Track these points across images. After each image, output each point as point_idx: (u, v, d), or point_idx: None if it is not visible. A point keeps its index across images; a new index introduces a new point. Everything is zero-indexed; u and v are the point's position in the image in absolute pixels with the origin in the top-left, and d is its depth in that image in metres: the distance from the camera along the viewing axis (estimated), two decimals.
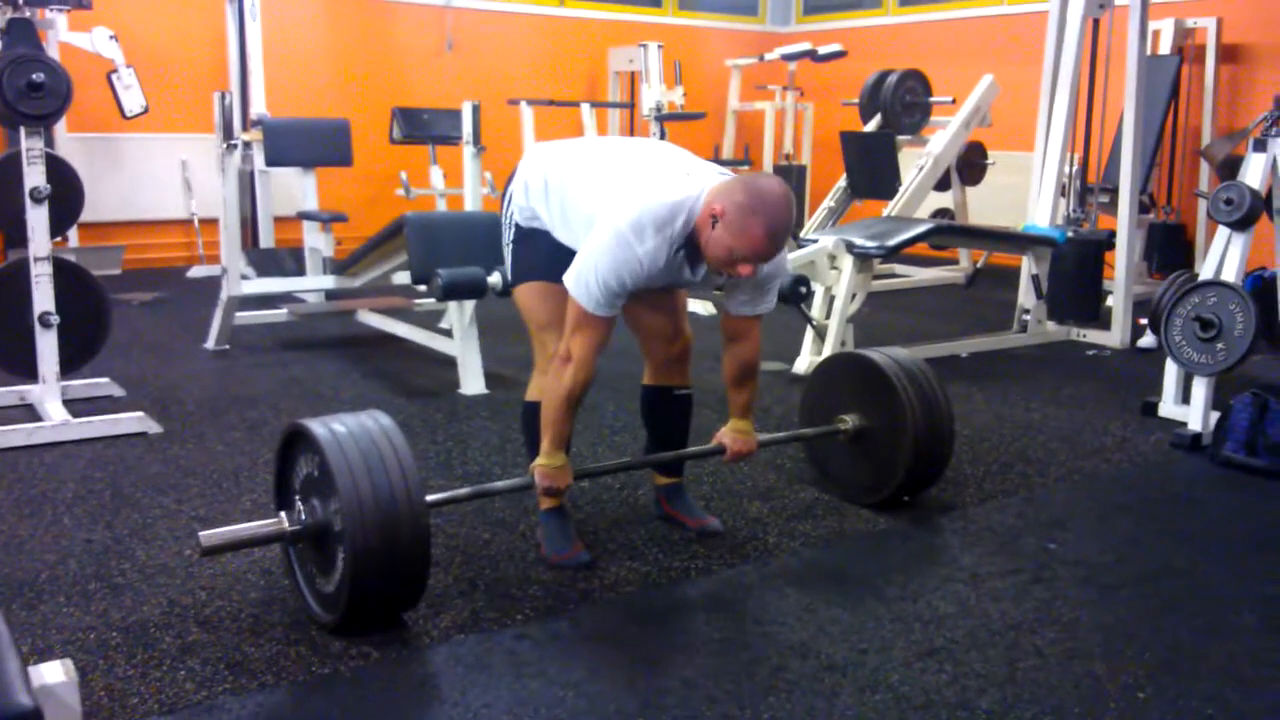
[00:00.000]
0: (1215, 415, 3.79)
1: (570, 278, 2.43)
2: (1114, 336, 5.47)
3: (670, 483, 2.95)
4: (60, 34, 6.61)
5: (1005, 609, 2.50)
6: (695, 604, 2.52)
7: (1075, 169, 5.76)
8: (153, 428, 3.74)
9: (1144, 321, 5.36)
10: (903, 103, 7.52)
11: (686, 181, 2.43)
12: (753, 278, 2.43)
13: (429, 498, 2.35)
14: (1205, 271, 4.00)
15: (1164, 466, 3.64)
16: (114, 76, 6.53)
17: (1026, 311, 5.47)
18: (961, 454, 3.65)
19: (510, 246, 2.70)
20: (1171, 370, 4.11)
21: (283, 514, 2.37)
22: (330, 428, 2.28)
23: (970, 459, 3.61)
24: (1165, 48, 7.08)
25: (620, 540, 2.85)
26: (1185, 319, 3.90)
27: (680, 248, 2.42)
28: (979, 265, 6.42)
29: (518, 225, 2.67)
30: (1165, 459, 3.71)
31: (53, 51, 6.53)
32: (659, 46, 8.39)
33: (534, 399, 2.68)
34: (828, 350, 4.69)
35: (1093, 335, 5.54)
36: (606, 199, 2.44)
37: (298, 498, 2.38)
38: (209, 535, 2.28)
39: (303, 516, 2.34)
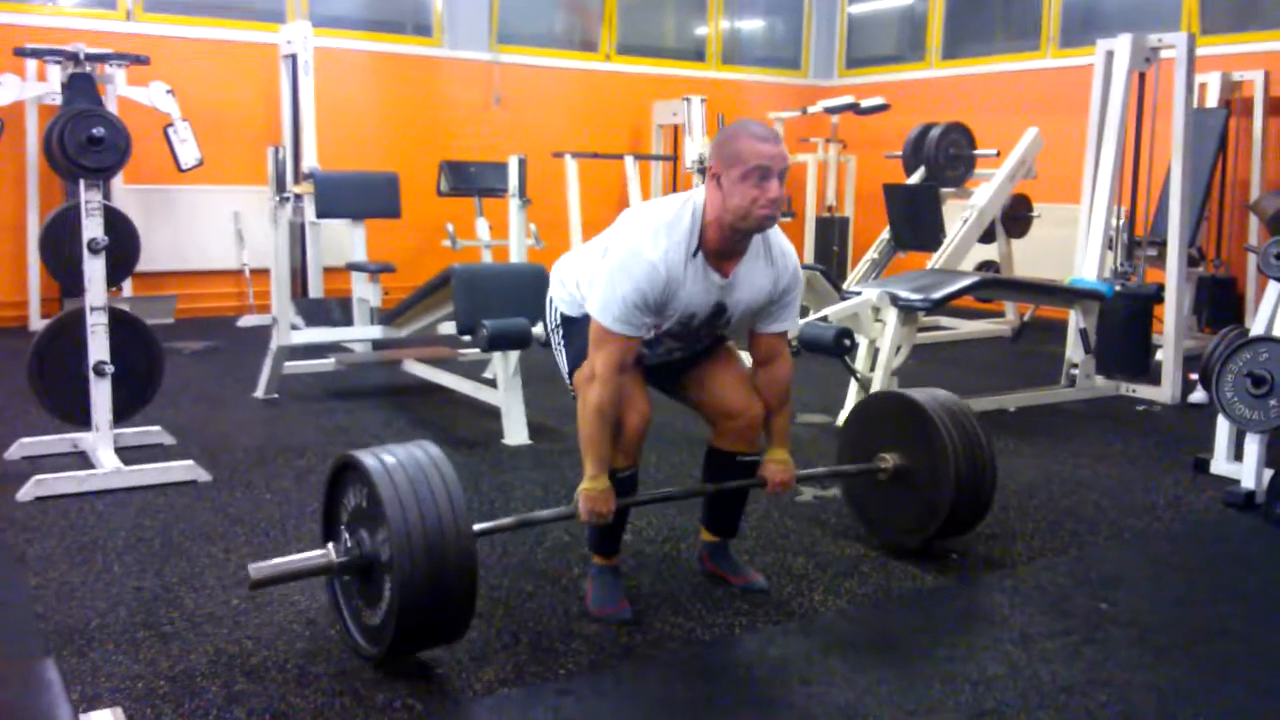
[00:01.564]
0: (1269, 473, 3.72)
1: (592, 299, 2.49)
2: (1164, 392, 5.40)
3: (716, 540, 2.92)
4: (119, 88, 6.80)
5: (1056, 670, 2.45)
6: (740, 662, 2.50)
7: (1122, 222, 5.72)
8: (202, 476, 3.78)
9: (1194, 376, 5.28)
10: (946, 155, 7.52)
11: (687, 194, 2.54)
12: (777, 204, 2.40)
13: (476, 527, 2.36)
14: (1257, 327, 3.94)
15: (1217, 525, 3.57)
16: (170, 130, 6.69)
17: (1075, 366, 5.41)
18: (1010, 510, 3.61)
19: (561, 343, 2.73)
20: (1223, 427, 4.05)
21: (330, 545, 2.39)
22: (380, 458, 2.30)
23: (1019, 516, 3.56)
24: (1212, 100, 7.04)
25: (664, 594, 2.83)
26: (1237, 375, 3.84)
27: (697, 249, 2.45)
28: (1026, 319, 6.37)
29: (564, 316, 2.71)
30: (1218, 517, 3.64)
31: (111, 105, 6.73)
32: (702, 100, 8.48)
33: None
34: None
35: (1142, 390, 5.47)
36: (619, 232, 2.51)
37: (345, 530, 2.39)
38: (258, 568, 2.31)
39: (349, 548, 2.35)
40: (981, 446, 2.98)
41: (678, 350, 2.71)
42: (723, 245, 2.48)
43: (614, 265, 2.44)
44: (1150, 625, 2.72)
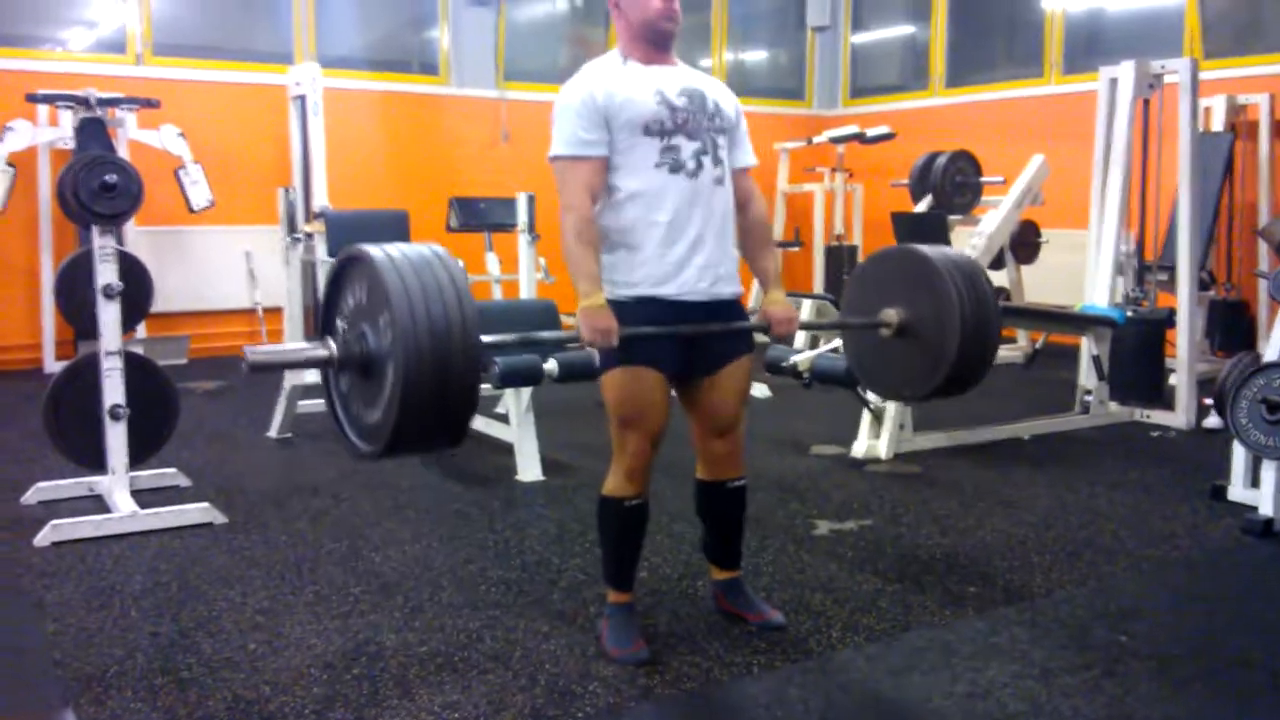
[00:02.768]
0: None
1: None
2: (1178, 417, 5.38)
3: (728, 577, 2.91)
4: (130, 132, 6.87)
5: (1078, 705, 2.43)
6: (759, 702, 2.48)
7: (1132, 247, 5.72)
8: (218, 518, 3.79)
9: (1209, 401, 5.27)
10: (953, 183, 7.55)
11: None
12: (671, 4, 2.58)
13: (483, 339, 2.24)
14: (1270, 353, 3.93)
15: (1236, 553, 3.55)
16: (181, 172, 6.75)
17: (1088, 392, 5.41)
18: (1028, 541, 3.59)
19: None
20: (1239, 453, 4.03)
21: (329, 339, 2.31)
22: (387, 252, 2.19)
23: (1037, 546, 3.55)
24: (1218, 124, 7.05)
25: (680, 633, 2.82)
26: (1251, 401, 3.83)
27: (625, 60, 2.60)
28: (1038, 346, 6.36)
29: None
30: (1236, 545, 3.62)
31: (122, 148, 6.79)
32: None
33: (609, 494, 2.67)
34: (885, 434, 4.66)
35: (1156, 416, 5.45)
36: None
37: (345, 325, 2.30)
38: (255, 351, 2.24)
39: (350, 342, 2.26)
40: (985, 295, 2.88)
41: (703, 155, 2.59)
42: (646, 56, 2.62)
43: (555, 111, 2.57)
44: (1171, 657, 2.70)
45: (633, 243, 2.56)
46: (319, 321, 2.42)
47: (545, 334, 2.66)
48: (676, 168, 2.56)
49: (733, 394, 2.72)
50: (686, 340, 2.61)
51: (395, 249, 2.20)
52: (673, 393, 2.66)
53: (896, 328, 2.96)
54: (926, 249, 2.97)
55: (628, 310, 2.53)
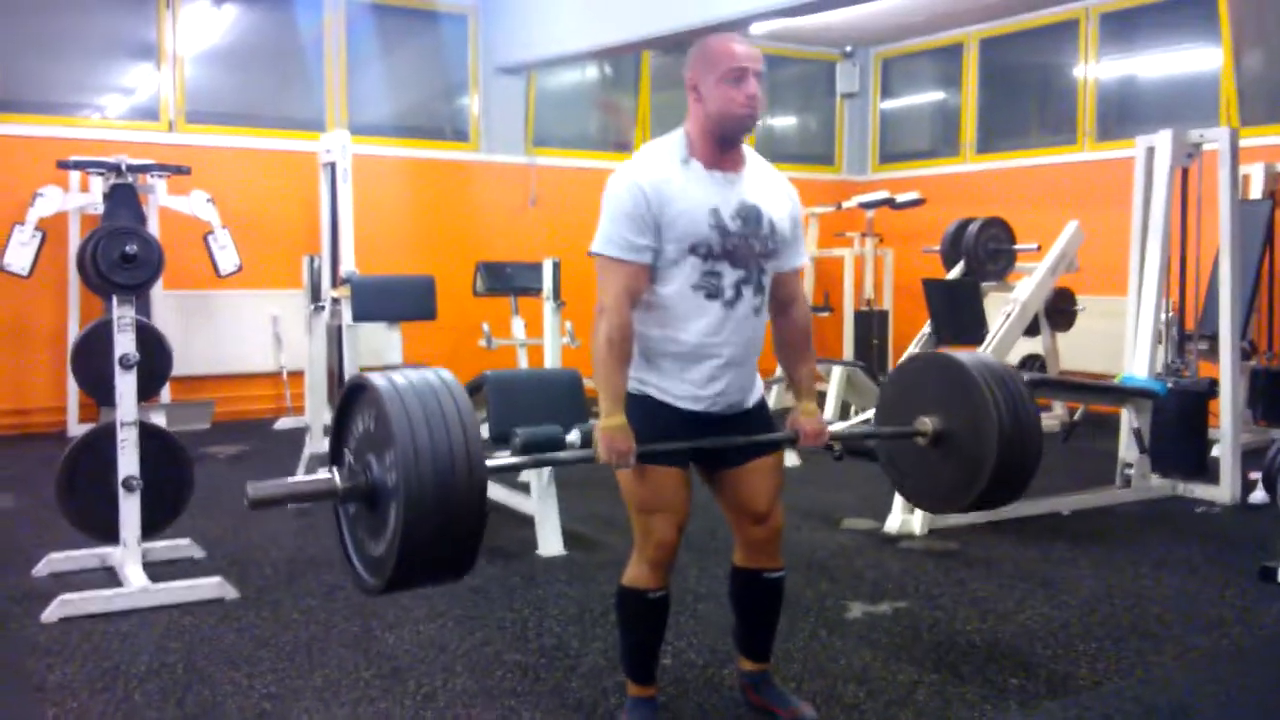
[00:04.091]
0: None
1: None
2: (1223, 491, 5.19)
3: (757, 670, 2.77)
4: (160, 198, 6.90)
5: None
6: None
7: (1171, 316, 5.58)
8: (230, 593, 3.69)
9: (1255, 475, 5.08)
10: (986, 249, 7.44)
11: None
12: (755, 102, 2.40)
13: (489, 462, 2.18)
14: None
15: None
16: (210, 237, 6.76)
17: (1129, 465, 5.24)
18: (1071, 627, 3.43)
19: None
20: None
21: (335, 471, 2.24)
22: (391, 380, 2.15)
23: (1080, 633, 3.38)
24: (1256, 191, 6.92)
25: None
26: None
27: (687, 158, 2.43)
28: (1076, 418, 6.20)
29: None
30: None
31: (152, 214, 6.82)
32: None
33: (630, 584, 2.54)
34: (919, 511, 4.51)
35: (1200, 490, 5.26)
36: None
37: (351, 454, 2.24)
38: (258, 487, 2.16)
39: (355, 473, 2.20)
40: (1025, 405, 2.76)
41: (744, 285, 2.46)
42: (713, 153, 2.45)
43: (604, 199, 2.43)
44: None
45: (651, 353, 2.48)
46: (330, 451, 2.36)
47: (560, 454, 2.60)
48: (714, 294, 2.44)
49: (763, 491, 2.59)
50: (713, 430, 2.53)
51: (400, 376, 2.18)
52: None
53: (932, 437, 2.84)
54: (963, 356, 2.88)
55: (643, 405, 2.46)
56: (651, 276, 2.42)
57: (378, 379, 2.16)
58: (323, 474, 2.25)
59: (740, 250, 2.44)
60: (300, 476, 2.25)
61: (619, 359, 2.38)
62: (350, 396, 2.28)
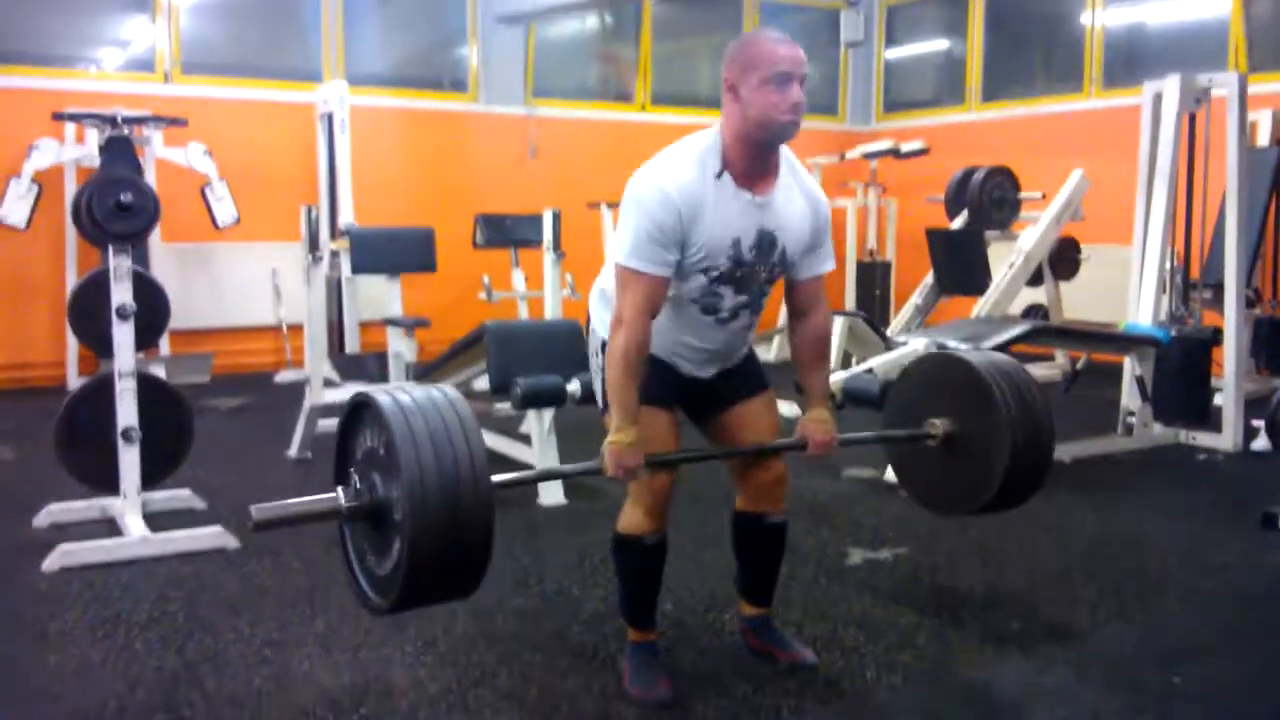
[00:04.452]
0: None
1: (612, 246, 2.36)
2: (1225, 439, 5.18)
3: (757, 614, 2.76)
4: (157, 150, 6.84)
5: None
6: None
7: (1176, 265, 5.54)
8: (231, 543, 3.69)
9: (1257, 423, 5.07)
10: (990, 199, 7.38)
11: None
12: (799, 108, 2.26)
13: (495, 478, 2.18)
14: None
15: None
16: (207, 189, 6.71)
17: (1131, 414, 5.21)
18: (1073, 572, 3.43)
19: (602, 369, 2.54)
20: None
21: (340, 489, 2.22)
22: (396, 398, 2.12)
23: (1082, 578, 3.38)
24: (1264, 139, 6.84)
25: (706, 671, 2.68)
26: None
27: (720, 171, 2.33)
28: (1079, 366, 6.17)
29: (605, 342, 2.53)
30: None
31: (149, 166, 6.76)
32: None
33: (625, 530, 2.54)
34: None
35: (1202, 438, 5.25)
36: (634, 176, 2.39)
37: (356, 473, 2.22)
38: (261, 509, 2.15)
39: (360, 492, 2.18)
40: (1038, 410, 2.73)
41: (742, 308, 2.47)
42: (747, 164, 2.34)
43: (627, 204, 2.33)
44: (1227, 700, 2.54)
45: None
46: (334, 469, 2.33)
47: (567, 467, 2.53)
48: (711, 311, 2.44)
49: (757, 430, 2.59)
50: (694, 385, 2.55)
51: (404, 393, 2.14)
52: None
53: (942, 438, 2.81)
54: (973, 356, 2.84)
55: None
56: None
57: (382, 396, 2.14)
58: (328, 494, 2.22)
59: (747, 278, 2.43)
60: (305, 498, 2.23)
61: (634, 374, 2.33)
62: (354, 414, 2.26)
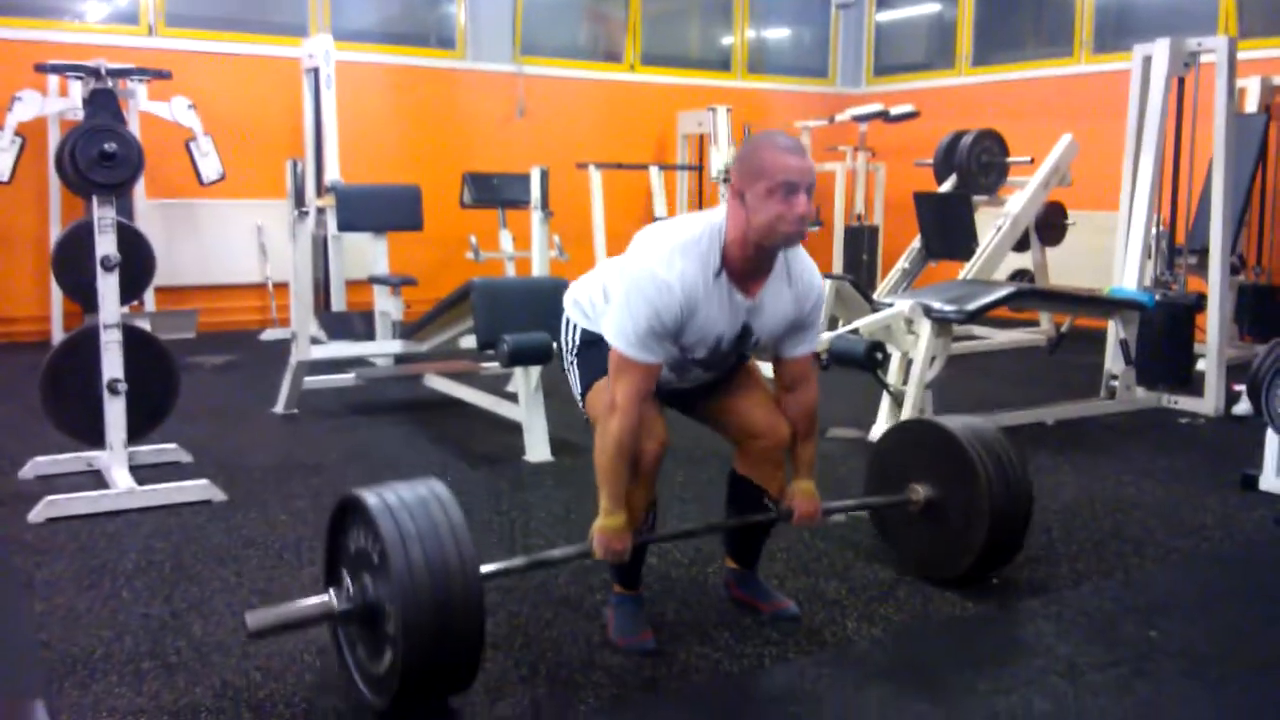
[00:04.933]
0: None
1: (607, 322, 2.37)
2: (1207, 403, 5.22)
3: (740, 568, 2.80)
4: (140, 103, 6.77)
5: (1105, 706, 2.31)
6: (770, 696, 2.37)
7: (1161, 230, 5.56)
8: (217, 496, 3.70)
9: (1239, 387, 5.11)
10: (979, 163, 7.38)
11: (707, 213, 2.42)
12: (804, 221, 2.26)
13: (484, 569, 2.23)
14: None
15: (1268, 546, 3.42)
16: (192, 144, 6.65)
17: (1114, 377, 5.25)
18: (1053, 531, 3.46)
19: (574, 362, 2.59)
20: (1272, 442, 3.88)
21: (331, 592, 2.27)
22: (383, 498, 2.17)
23: (1062, 536, 3.42)
24: (1252, 105, 6.85)
25: (689, 622, 2.71)
26: None
27: (719, 271, 2.33)
28: (1063, 330, 6.20)
29: (584, 336, 2.57)
30: (1269, 537, 3.48)
31: (133, 120, 6.70)
32: (728, 110, 8.37)
33: None
34: (905, 418, 4.52)
35: (1184, 402, 5.30)
36: (636, 251, 2.38)
37: (347, 574, 2.27)
38: (256, 617, 2.19)
39: (352, 594, 2.23)
40: (1018, 479, 2.84)
41: (705, 377, 2.59)
42: (746, 265, 2.36)
43: (629, 288, 2.32)
44: (1203, 655, 2.58)
45: None
46: (323, 571, 2.36)
47: (555, 553, 2.57)
48: (677, 370, 2.52)
49: (757, 406, 2.61)
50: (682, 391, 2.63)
51: (392, 492, 2.19)
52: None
53: (923, 505, 2.90)
54: (953, 424, 2.91)
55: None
56: None
57: (369, 496, 2.17)
58: (320, 597, 2.26)
59: (718, 360, 2.50)
60: (298, 603, 2.27)
61: (626, 460, 2.36)
62: (342, 514, 2.29)
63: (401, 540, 2.09)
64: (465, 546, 2.14)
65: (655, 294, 2.28)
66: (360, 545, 2.23)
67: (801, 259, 2.48)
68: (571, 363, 2.61)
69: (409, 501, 2.17)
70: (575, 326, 2.60)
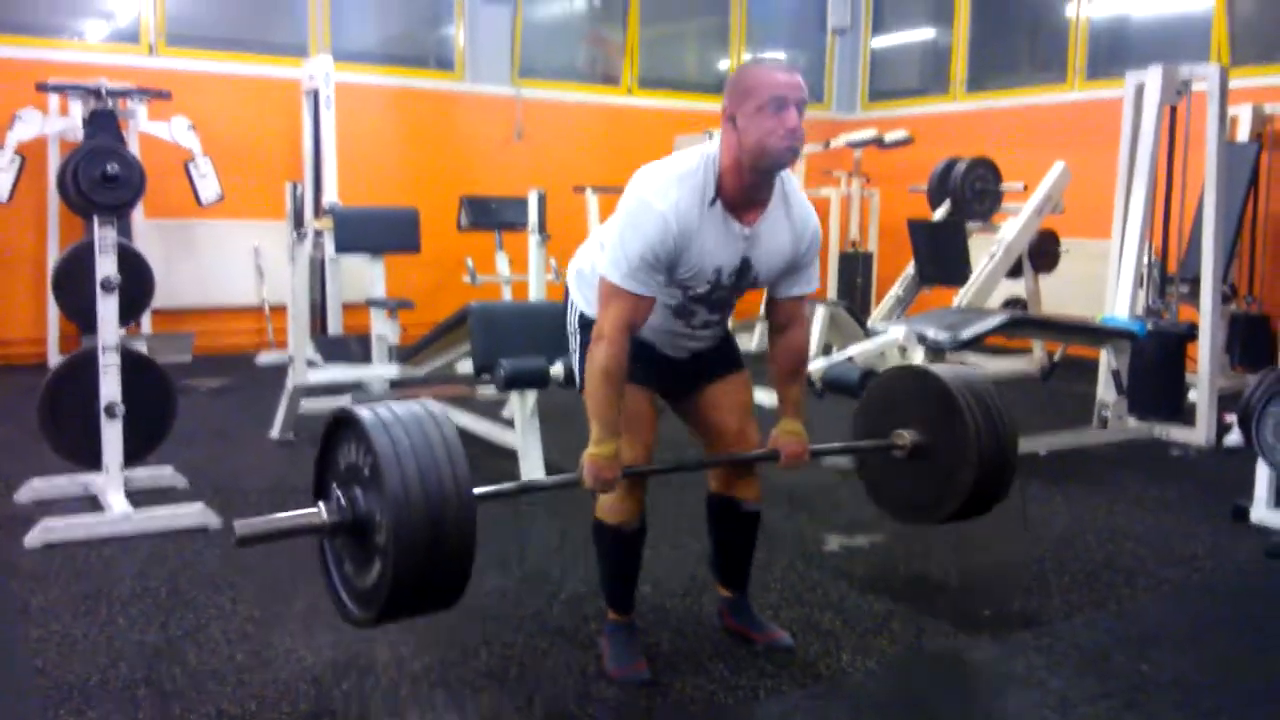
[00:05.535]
0: None
1: (603, 255, 2.37)
2: (1199, 434, 5.25)
3: (733, 595, 2.81)
4: (140, 124, 6.80)
5: None
6: None
7: (1154, 259, 5.60)
8: (213, 521, 3.70)
9: (1230, 418, 5.14)
10: (972, 190, 7.43)
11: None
12: (796, 134, 2.25)
13: (477, 491, 2.20)
14: None
15: (1260, 576, 3.44)
16: (191, 165, 6.68)
17: (1106, 407, 5.28)
18: (1046, 561, 3.48)
19: (578, 347, 2.60)
20: (1263, 473, 3.91)
21: (321, 504, 2.25)
22: (377, 413, 2.16)
23: (1055, 567, 3.44)
24: (1244, 134, 6.91)
25: (684, 652, 2.72)
26: (1277, 419, 3.71)
27: (714, 199, 2.33)
28: (1055, 359, 6.23)
29: (584, 319, 2.58)
30: (1260, 569, 3.50)
31: (133, 140, 6.73)
32: None
33: (604, 518, 2.58)
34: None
35: (1176, 432, 5.32)
36: (631, 186, 2.38)
37: (337, 488, 2.25)
38: (244, 525, 2.19)
39: (342, 507, 2.22)
40: (1003, 421, 2.82)
41: (713, 322, 2.56)
42: (742, 191, 2.35)
43: (623, 219, 2.33)
44: (1195, 687, 2.59)
45: None
46: (314, 484, 2.34)
47: (546, 479, 2.59)
48: (682, 315, 2.51)
49: (730, 407, 2.63)
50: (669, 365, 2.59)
51: (385, 408, 2.17)
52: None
53: (909, 449, 2.88)
54: (943, 370, 2.92)
55: None
56: None
57: (363, 411, 2.16)
58: (310, 509, 2.25)
59: (721, 299, 2.49)
60: (287, 513, 2.27)
61: (614, 388, 2.36)
62: (334, 429, 2.28)
63: (395, 453, 2.07)
64: (458, 462, 2.12)
65: (649, 225, 2.29)
66: (351, 460, 2.21)
67: (800, 198, 2.49)
68: (575, 348, 2.61)
69: (403, 417, 2.15)
70: (577, 309, 2.60)
